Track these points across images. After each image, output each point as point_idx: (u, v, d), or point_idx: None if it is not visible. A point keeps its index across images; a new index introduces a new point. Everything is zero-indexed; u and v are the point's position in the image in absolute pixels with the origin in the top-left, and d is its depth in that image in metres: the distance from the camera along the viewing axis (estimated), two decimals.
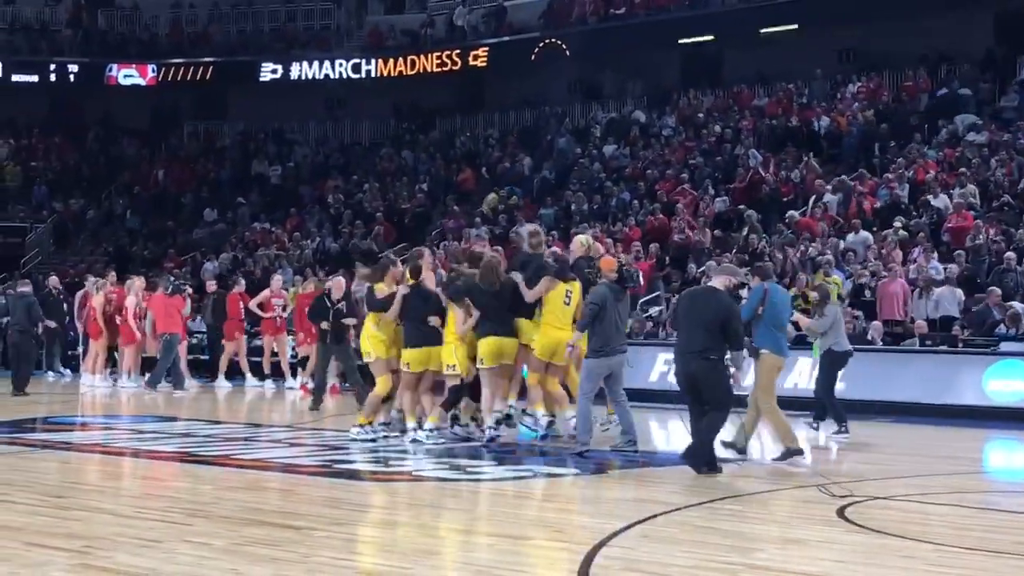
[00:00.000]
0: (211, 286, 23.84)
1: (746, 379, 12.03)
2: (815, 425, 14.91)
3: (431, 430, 12.75)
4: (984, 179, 23.59)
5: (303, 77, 37.58)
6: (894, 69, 29.87)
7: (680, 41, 33.22)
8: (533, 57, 34.42)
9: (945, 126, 26.54)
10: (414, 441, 12.65)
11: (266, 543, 7.53)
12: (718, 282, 11.46)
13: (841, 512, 8.97)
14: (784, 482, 10.80)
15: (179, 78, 38.34)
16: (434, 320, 12.61)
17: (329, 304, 17.48)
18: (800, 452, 11.96)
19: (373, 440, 12.90)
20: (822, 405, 14.88)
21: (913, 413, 17.20)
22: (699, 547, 7.77)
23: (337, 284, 17.92)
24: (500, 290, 12.54)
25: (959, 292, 19.72)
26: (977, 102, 27.28)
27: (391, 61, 36.73)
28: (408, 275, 13.02)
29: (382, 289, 13.02)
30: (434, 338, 12.66)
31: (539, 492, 10.47)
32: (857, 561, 7.38)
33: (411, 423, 12.80)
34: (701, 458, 10.89)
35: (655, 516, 8.80)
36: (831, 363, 14.65)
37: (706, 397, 10.97)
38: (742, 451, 12.09)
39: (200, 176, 37.86)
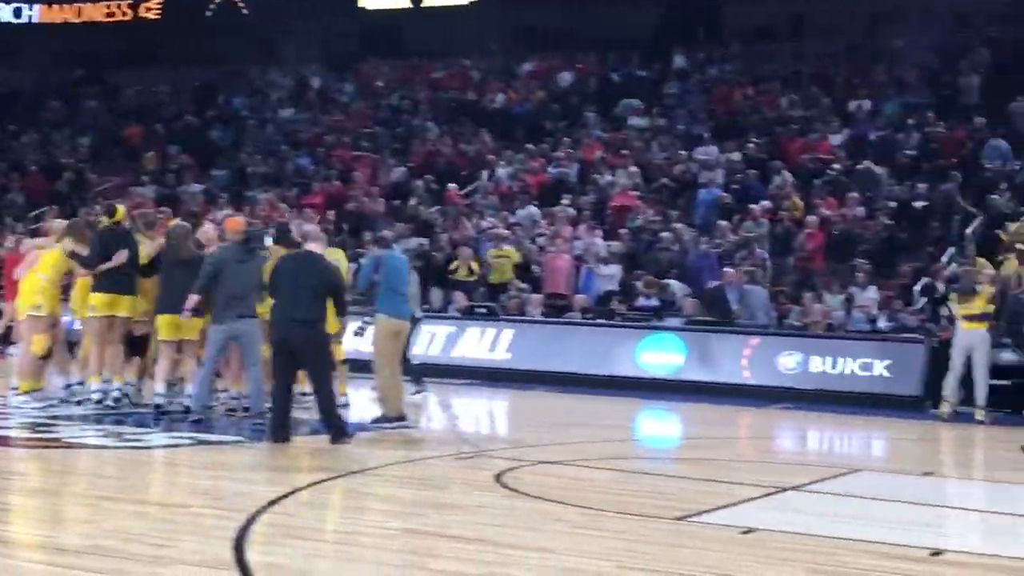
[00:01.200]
0: None
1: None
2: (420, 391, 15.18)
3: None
4: (646, 161, 24.74)
5: None
6: (567, 50, 30.86)
7: (360, 6, 33.22)
8: (209, 13, 33.51)
9: (612, 109, 27.67)
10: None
11: None
12: (317, 247, 11.11)
13: (499, 478, 9.23)
14: (445, 448, 11.01)
15: None
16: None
17: None
18: (403, 419, 11.98)
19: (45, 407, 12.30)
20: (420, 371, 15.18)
21: (574, 383, 17.90)
22: (359, 513, 7.82)
23: None
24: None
25: (618, 268, 20.65)
26: (641, 87, 28.54)
27: (55, 7, 34.92)
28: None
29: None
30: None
31: (200, 460, 10.25)
32: (512, 525, 7.61)
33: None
34: (336, 429, 10.73)
35: (317, 483, 8.80)
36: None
37: (308, 367, 10.81)
38: (401, 417, 12.11)
39: None
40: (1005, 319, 15.78)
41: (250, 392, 12.01)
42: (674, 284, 19.90)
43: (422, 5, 32.38)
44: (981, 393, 15.39)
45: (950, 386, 15.53)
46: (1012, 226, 18.87)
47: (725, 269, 19.39)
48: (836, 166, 22.97)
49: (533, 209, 23.22)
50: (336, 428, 10.77)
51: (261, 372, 11.82)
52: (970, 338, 15.43)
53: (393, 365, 12.08)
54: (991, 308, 15.51)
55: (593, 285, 20.48)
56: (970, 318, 15.52)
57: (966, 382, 15.63)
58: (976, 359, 15.40)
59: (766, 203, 21.67)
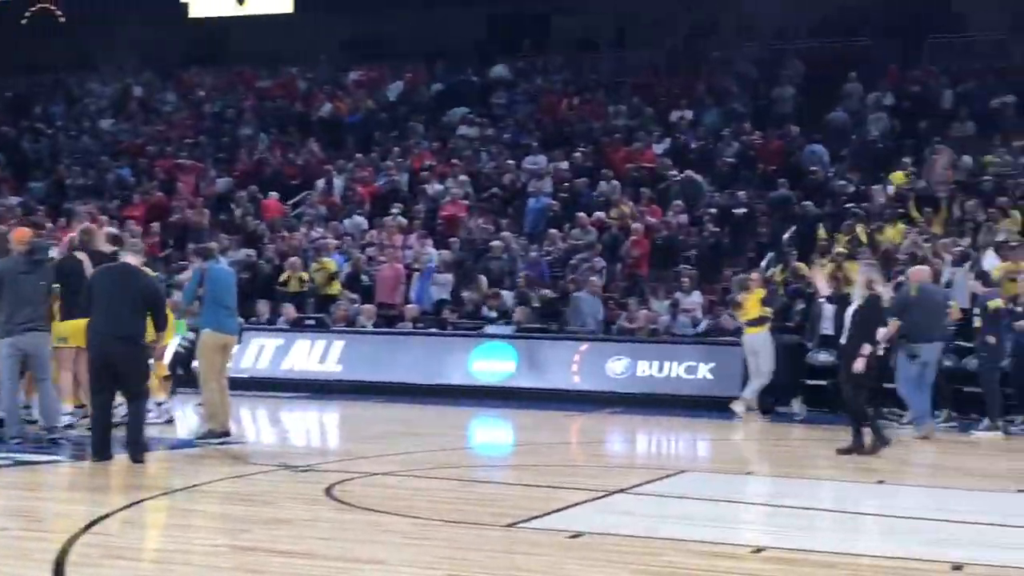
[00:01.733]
0: None
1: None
2: None
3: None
4: (475, 170, 24.87)
5: None
6: (395, 59, 30.84)
7: (191, 16, 32.67)
8: (24, 21, 32.46)
9: (441, 118, 27.75)
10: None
11: None
12: (134, 259, 10.85)
13: (329, 491, 9.16)
14: (274, 463, 10.87)
15: None
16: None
17: None
18: (227, 435, 11.84)
19: None
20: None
21: (406, 393, 17.86)
22: (184, 530, 7.67)
23: None
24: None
25: (450, 277, 20.71)
26: (469, 97, 28.69)
27: None
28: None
29: None
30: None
31: (17, 480, 9.91)
32: (342, 538, 7.57)
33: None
34: (139, 447, 10.44)
35: (141, 501, 8.60)
36: None
37: (126, 383, 10.55)
38: (226, 432, 11.91)
39: None
40: (810, 323, 16.22)
41: (41, 406, 11.61)
42: (505, 293, 20.04)
43: (248, 14, 31.94)
44: (750, 389, 15.79)
45: (748, 387, 16.03)
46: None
47: (591, 279, 19.54)
48: (674, 175, 23.48)
49: (359, 219, 23.14)
50: (139, 447, 10.45)
51: (51, 385, 11.51)
52: (751, 342, 15.87)
53: (220, 380, 11.89)
54: (767, 311, 15.87)
55: (425, 294, 20.49)
56: (747, 323, 16.02)
57: (791, 386, 16.18)
58: (750, 362, 15.82)
59: (593, 210, 22.03)
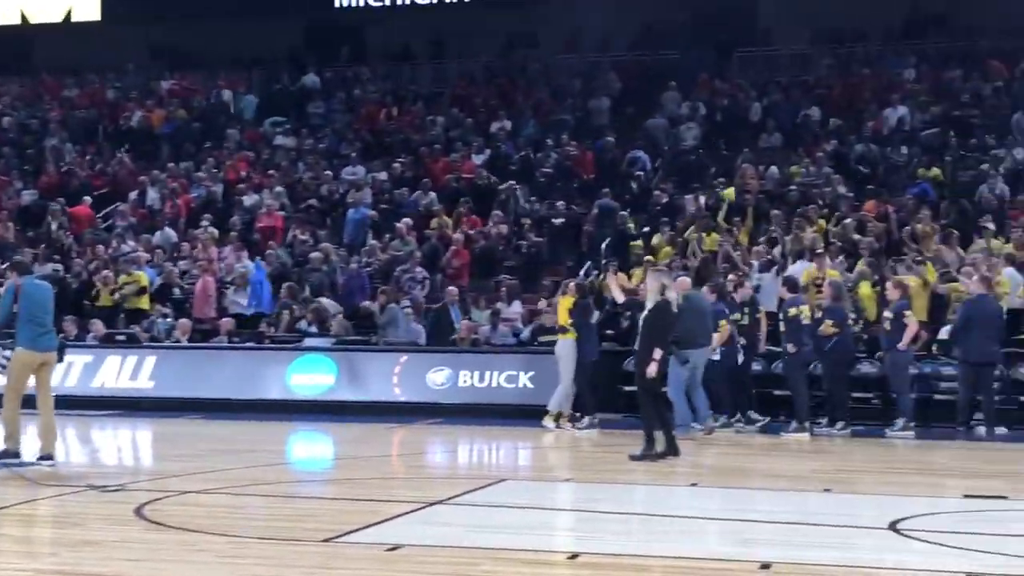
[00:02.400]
0: None
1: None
2: None
3: None
4: (292, 181, 24.63)
5: None
6: (209, 68, 30.33)
7: None
8: None
9: (257, 128, 27.42)
10: None
11: None
12: None
13: (139, 511, 8.94)
14: (81, 483, 10.54)
15: None
16: None
17: None
18: (17, 456, 11.42)
19: None
20: None
21: (222, 409, 17.55)
22: None
23: None
24: None
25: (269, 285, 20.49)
26: (286, 106, 28.41)
27: None
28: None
29: None
30: None
31: None
32: (152, 558, 7.39)
33: None
34: None
35: None
36: None
37: None
38: (15, 454, 11.49)
39: None
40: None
41: None
42: (326, 303, 19.87)
43: (54, 21, 30.97)
44: (554, 400, 15.91)
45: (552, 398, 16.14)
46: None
47: (449, 288, 19.45)
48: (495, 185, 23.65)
49: (170, 232, 22.69)
50: None
51: None
52: (556, 349, 16.04)
53: (45, 399, 11.49)
54: (567, 320, 15.94)
55: (255, 299, 20.22)
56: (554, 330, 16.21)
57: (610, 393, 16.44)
58: (559, 367, 16.00)
59: (410, 220, 22.05)
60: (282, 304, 19.88)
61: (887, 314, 15.57)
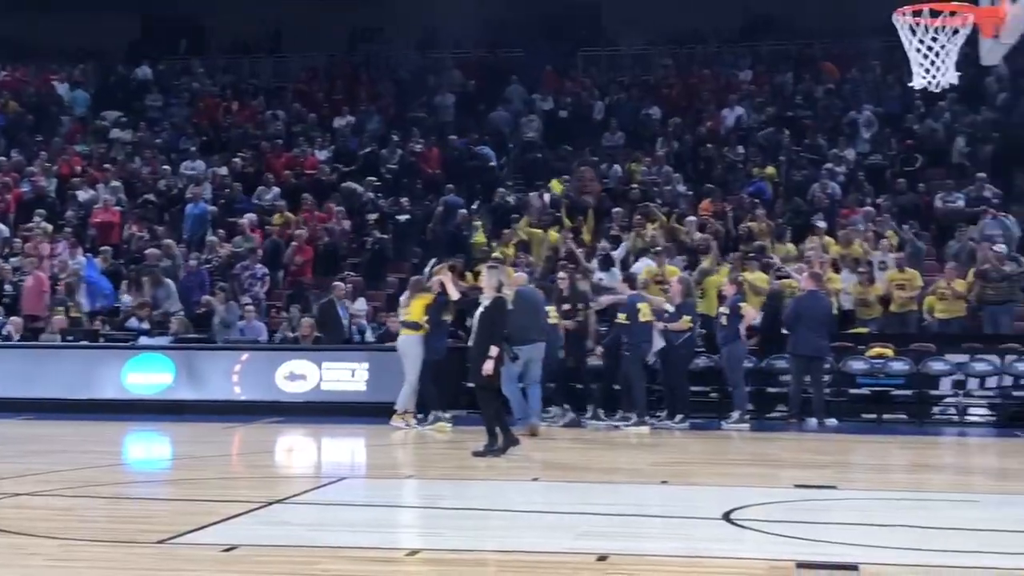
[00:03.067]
0: None
1: None
2: None
3: None
4: (129, 175, 24.08)
5: None
6: (43, 59, 29.50)
7: None
8: None
9: (93, 121, 26.76)
10: None
11: None
12: None
13: None
14: None
15: None
16: None
17: None
18: None
19: None
20: None
21: (56, 409, 17.07)
22: None
23: None
24: None
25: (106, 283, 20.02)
26: (123, 99, 27.79)
27: None
28: None
29: None
30: None
31: None
32: None
33: None
34: None
35: None
36: None
37: None
38: None
39: None
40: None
41: None
42: (165, 300, 19.48)
43: None
44: (401, 398, 15.75)
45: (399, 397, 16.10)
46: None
47: (335, 284, 18.99)
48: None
49: (2, 227, 21.99)
50: None
51: None
52: (400, 344, 15.86)
53: None
54: (422, 317, 15.90)
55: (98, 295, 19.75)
56: (403, 324, 16.04)
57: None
58: (404, 365, 15.93)
59: (253, 216, 21.77)
60: (122, 301, 19.47)
61: (723, 309, 15.97)
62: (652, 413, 15.76)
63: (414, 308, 15.87)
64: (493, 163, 24.20)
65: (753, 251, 18.60)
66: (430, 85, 27.51)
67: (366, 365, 17.64)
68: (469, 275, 18.01)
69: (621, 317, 15.53)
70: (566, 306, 16.02)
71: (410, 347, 15.73)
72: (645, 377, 15.77)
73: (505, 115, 25.80)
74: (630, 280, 16.24)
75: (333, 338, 18.34)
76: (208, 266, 20.67)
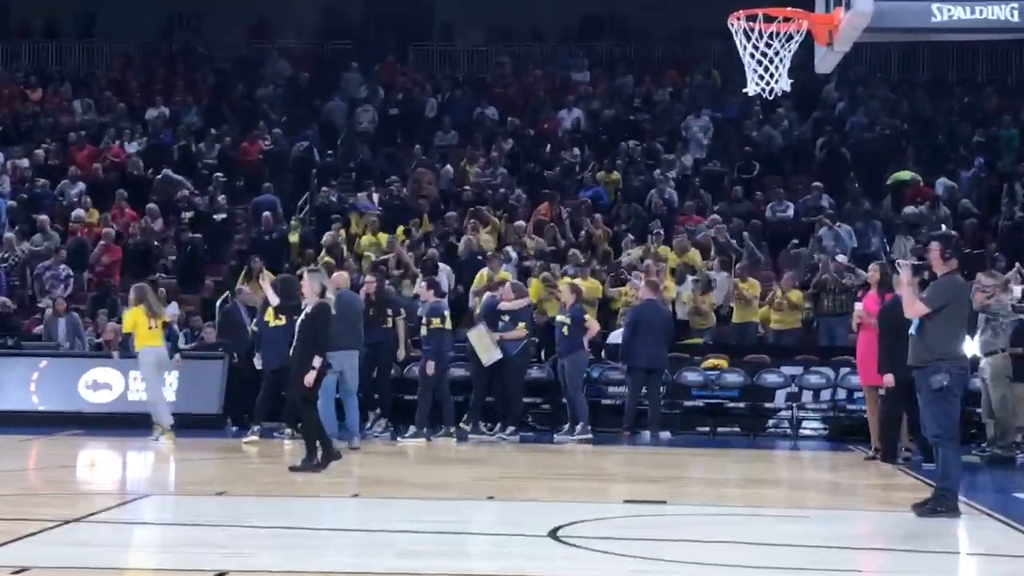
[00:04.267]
0: None
1: None
2: None
3: None
4: None
5: None
6: None
7: None
8: None
9: None
10: None
11: None
12: None
13: None
14: None
15: None
16: None
17: None
18: None
19: None
20: None
21: None
22: None
23: None
24: None
25: None
26: None
27: None
28: None
29: None
30: None
31: None
32: None
33: None
34: None
35: None
36: None
37: None
38: None
39: None
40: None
41: None
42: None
43: None
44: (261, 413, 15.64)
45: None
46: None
47: (241, 288, 18.19)
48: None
49: None
50: None
51: None
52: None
53: None
54: (280, 322, 15.60)
55: None
56: None
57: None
58: None
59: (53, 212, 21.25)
60: None
61: (562, 318, 16.04)
62: (487, 424, 15.90)
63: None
64: (318, 160, 23.99)
65: (590, 257, 18.85)
66: (253, 76, 27.15)
67: (175, 374, 17.23)
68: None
69: (435, 322, 15.51)
70: (371, 311, 15.77)
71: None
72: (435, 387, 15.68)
73: (341, 104, 25.67)
74: (434, 287, 16.22)
75: (237, 345, 17.17)
76: (4, 265, 20.03)
